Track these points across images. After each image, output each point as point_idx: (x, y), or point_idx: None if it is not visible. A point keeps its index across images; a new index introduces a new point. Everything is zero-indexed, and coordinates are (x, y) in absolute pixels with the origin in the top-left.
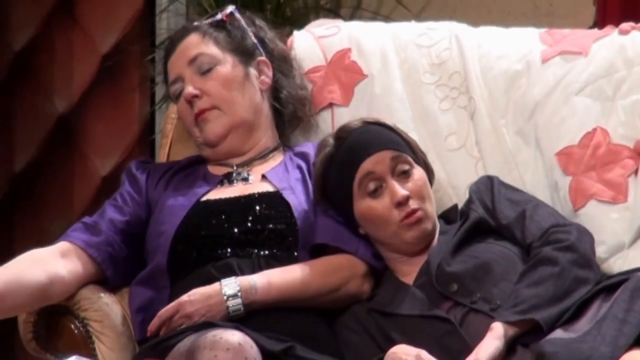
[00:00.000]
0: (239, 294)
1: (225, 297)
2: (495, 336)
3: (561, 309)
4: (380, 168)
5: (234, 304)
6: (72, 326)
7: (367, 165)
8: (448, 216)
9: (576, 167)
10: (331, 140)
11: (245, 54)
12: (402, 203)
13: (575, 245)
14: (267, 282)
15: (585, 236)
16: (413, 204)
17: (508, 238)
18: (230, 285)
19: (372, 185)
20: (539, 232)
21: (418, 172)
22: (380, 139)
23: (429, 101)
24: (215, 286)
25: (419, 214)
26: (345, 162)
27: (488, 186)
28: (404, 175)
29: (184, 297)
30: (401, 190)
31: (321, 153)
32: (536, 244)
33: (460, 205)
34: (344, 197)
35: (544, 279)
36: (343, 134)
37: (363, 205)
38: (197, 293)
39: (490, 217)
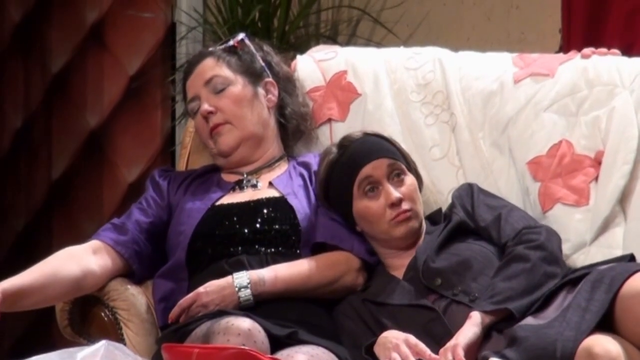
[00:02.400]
0: (249, 285)
1: (237, 289)
2: (473, 323)
3: (531, 299)
4: (378, 173)
5: (245, 294)
6: (103, 314)
7: (367, 169)
8: (433, 218)
9: (544, 174)
10: (334, 149)
11: (254, 76)
12: (395, 204)
13: (545, 245)
14: (274, 276)
15: (554, 236)
16: (405, 205)
17: (485, 238)
18: (241, 278)
19: (370, 188)
20: (512, 233)
21: (410, 179)
22: (379, 148)
23: (415, 117)
24: (228, 279)
25: (408, 213)
26: (348, 166)
27: (468, 192)
28: (398, 180)
29: (201, 289)
30: (395, 193)
31: (325, 159)
32: (510, 243)
33: (444, 209)
34: (344, 197)
35: (517, 274)
36: (346, 143)
37: (361, 204)
38: (212, 285)
39: (470, 220)
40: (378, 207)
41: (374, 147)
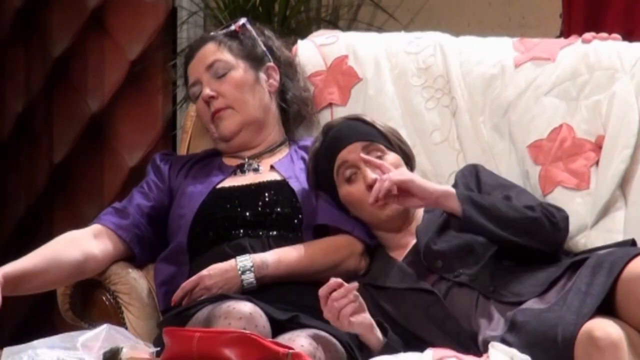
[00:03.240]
0: (252, 269)
1: (240, 272)
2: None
3: (493, 230)
4: (353, 157)
5: (248, 277)
6: (104, 298)
7: (343, 155)
8: None
9: (545, 158)
10: (319, 136)
11: (255, 60)
12: (372, 186)
13: (558, 221)
14: (277, 259)
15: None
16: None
17: None
18: (244, 262)
19: (348, 173)
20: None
21: (391, 157)
22: (354, 132)
23: (416, 101)
24: (231, 262)
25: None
26: (326, 154)
27: (473, 172)
28: None
29: (204, 272)
30: (371, 175)
31: (312, 148)
32: None
33: None
34: (330, 185)
35: (517, 209)
36: (326, 130)
37: (343, 190)
38: (216, 268)
39: None
40: (359, 191)
41: (348, 132)
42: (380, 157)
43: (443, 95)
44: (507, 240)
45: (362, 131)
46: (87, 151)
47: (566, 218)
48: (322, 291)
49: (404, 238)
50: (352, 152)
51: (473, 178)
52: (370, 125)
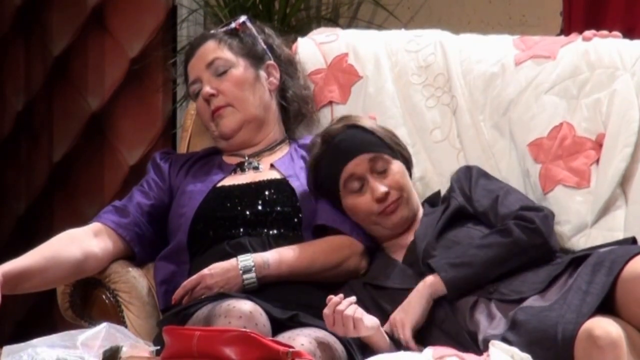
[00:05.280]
0: (253, 268)
1: (241, 272)
2: (421, 294)
3: (496, 272)
4: (360, 169)
5: (249, 277)
6: (104, 296)
7: (349, 168)
8: (432, 200)
9: (545, 156)
10: (319, 142)
11: (255, 58)
12: (381, 199)
13: (536, 226)
14: (278, 259)
15: (550, 220)
16: (393, 197)
17: (485, 223)
18: (246, 261)
19: (356, 185)
20: (508, 213)
21: (396, 166)
22: (359, 143)
23: (416, 99)
24: (232, 261)
25: (397, 203)
26: (331, 165)
27: (467, 175)
28: (382, 173)
29: (205, 271)
30: (380, 188)
31: (311, 153)
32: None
33: (443, 192)
34: (333, 193)
35: (491, 244)
36: (327, 138)
37: (349, 201)
38: (217, 267)
39: (469, 204)
40: (365, 203)
41: (352, 144)
42: (386, 168)
43: (443, 93)
44: (501, 273)
45: (365, 142)
46: (87, 149)
47: (546, 216)
48: (327, 310)
49: (404, 240)
50: (358, 165)
51: (467, 181)
52: (371, 133)
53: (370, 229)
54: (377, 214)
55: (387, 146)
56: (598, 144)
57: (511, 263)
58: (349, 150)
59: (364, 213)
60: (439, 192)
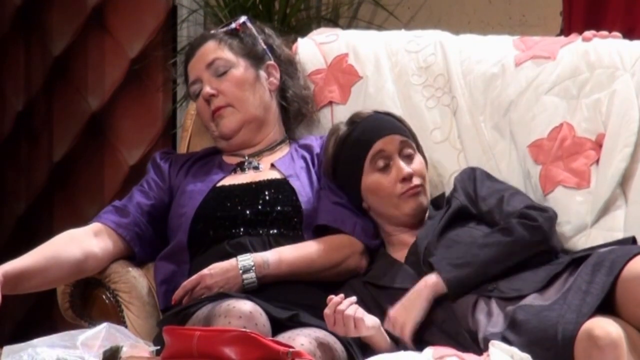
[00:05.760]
0: (253, 268)
1: (241, 272)
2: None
3: (495, 269)
4: (390, 148)
5: (249, 277)
6: (104, 296)
7: (380, 144)
8: (436, 203)
9: (545, 157)
10: (343, 126)
11: (256, 59)
12: (406, 179)
13: (539, 224)
14: (278, 258)
15: (554, 220)
16: (416, 181)
17: (487, 223)
18: (245, 261)
19: (381, 162)
20: (513, 211)
21: (419, 158)
22: (391, 125)
23: (416, 100)
24: (232, 261)
25: (419, 188)
26: (359, 141)
27: (471, 177)
28: (409, 157)
29: (205, 271)
30: (407, 168)
31: (333, 136)
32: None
33: (445, 191)
34: (354, 173)
35: (492, 244)
36: (357, 119)
37: (372, 178)
38: (217, 267)
39: (472, 204)
40: (389, 182)
41: (386, 124)
42: (412, 155)
43: (443, 94)
44: (503, 270)
45: (398, 126)
46: (87, 149)
47: (550, 217)
48: (328, 310)
49: (408, 239)
50: (389, 143)
51: (471, 182)
52: (402, 123)
53: (383, 216)
54: (398, 195)
55: (414, 139)
56: (598, 144)
57: (512, 261)
58: (382, 127)
59: (385, 192)
60: (443, 194)
